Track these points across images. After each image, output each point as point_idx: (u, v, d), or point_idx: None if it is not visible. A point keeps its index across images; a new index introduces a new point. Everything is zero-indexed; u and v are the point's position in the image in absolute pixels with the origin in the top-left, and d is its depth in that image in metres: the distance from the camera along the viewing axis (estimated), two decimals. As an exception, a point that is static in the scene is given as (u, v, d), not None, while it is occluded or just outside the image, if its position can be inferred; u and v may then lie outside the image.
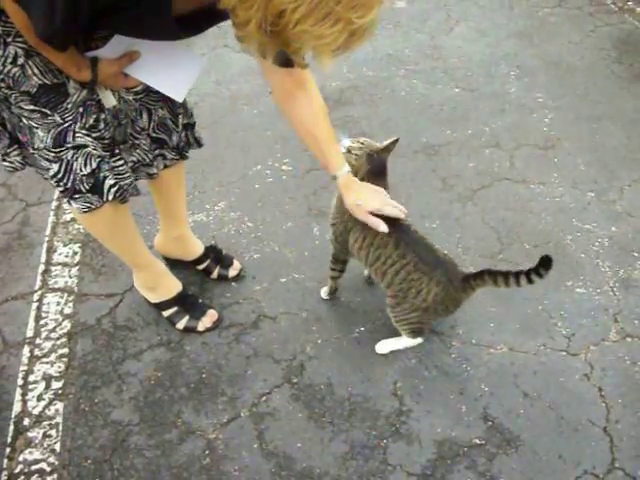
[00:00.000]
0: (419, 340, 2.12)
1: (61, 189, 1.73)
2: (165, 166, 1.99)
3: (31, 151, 1.69)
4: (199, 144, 2.05)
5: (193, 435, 1.93)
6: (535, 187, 2.78)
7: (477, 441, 1.89)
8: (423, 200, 2.71)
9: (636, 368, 2.08)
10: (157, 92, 1.73)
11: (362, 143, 1.97)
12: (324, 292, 2.30)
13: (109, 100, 1.67)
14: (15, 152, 1.73)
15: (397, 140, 1.96)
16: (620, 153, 2.97)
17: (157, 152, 1.93)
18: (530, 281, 1.82)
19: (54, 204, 2.80)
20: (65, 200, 1.79)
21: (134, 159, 1.87)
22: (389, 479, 1.81)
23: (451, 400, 1.99)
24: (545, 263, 1.78)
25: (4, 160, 1.75)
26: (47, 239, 2.63)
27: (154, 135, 1.88)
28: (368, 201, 1.86)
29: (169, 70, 1.66)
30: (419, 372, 2.06)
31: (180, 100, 1.77)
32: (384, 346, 2.13)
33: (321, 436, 1.91)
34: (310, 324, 2.21)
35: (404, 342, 2.12)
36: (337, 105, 3.25)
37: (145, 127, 1.83)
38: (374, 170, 1.95)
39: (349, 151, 1.94)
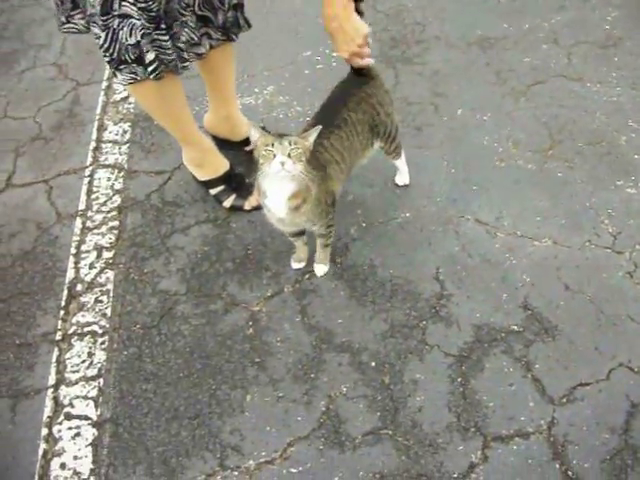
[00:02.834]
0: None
1: (107, 59, 1.75)
2: (211, 46, 1.95)
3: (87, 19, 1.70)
4: (249, 25, 2.02)
5: (237, 307, 2.00)
6: (592, 85, 2.69)
7: (515, 328, 1.91)
8: (475, 93, 2.65)
9: (681, 269, 2.07)
10: None
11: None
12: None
13: None
14: (79, 15, 1.74)
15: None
16: (685, 54, 2.85)
17: (202, 30, 1.90)
18: None
19: (104, 84, 2.82)
20: (111, 72, 1.81)
21: (184, 39, 1.83)
22: (426, 358, 1.86)
23: (492, 287, 2.01)
24: None
25: (68, 22, 1.77)
26: (97, 117, 2.67)
27: (199, 13, 1.84)
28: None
29: None
30: (462, 259, 2.08)
31: None
32: (403, 179, 2.29)
33: (362, 314, 1.96)
34: (355, 207, 2.22)
35: (403, 164, 2.25)
36: (378, -5, 3.15)
37: (190, 3, 1.79)
38: None
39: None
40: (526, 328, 1.91)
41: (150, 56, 1.73)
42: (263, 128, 2.38)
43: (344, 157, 1.84)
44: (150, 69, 1.76)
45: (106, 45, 1.70)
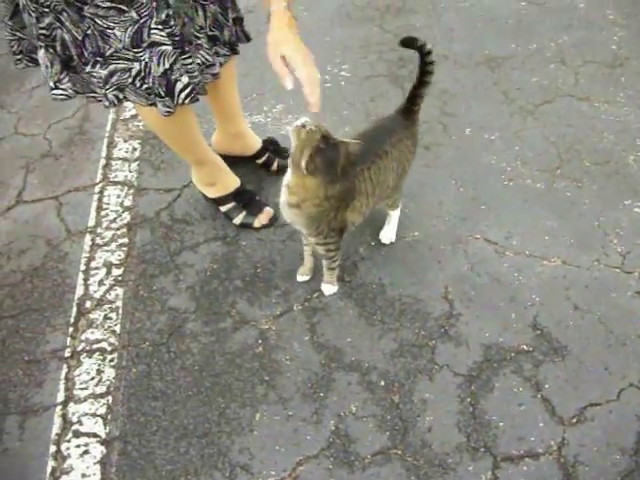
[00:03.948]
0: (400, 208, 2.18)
1: (147, 86, 1.71)
2: (220, 64, 1.95)
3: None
4: (248, 38, 2.02)
5: (247, 325, 2.00)
6: (599, 105, 2.70)
7: (524, 347, 1.91)
8: (483, 112, 2.66)
9: (691, 288, 2.06)
10: None
11: (319, 127, 1.62)
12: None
13: None
14: (66, 78, 1.72)
15: (358, 145, 1.65)
16: (692, 74, 2.86)
17: (213, 50, 1.90)
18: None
19: (114, 101, 2.83)
20: (149, 103, 1.76)
21: (198, 61, 1.83)
22: (436, 377, 1.85)
23: (501, 307, 2.00)
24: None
25: (57, 88, 1.74)
26: (107, 135, 2.68)
27: (210, 33, 1.85)
28: (289, 47, 1.60)
29: None
30: (471, 278, 2.08)
31: None
32: (389, 236, 2.19)
33: (371, 333, 1.96)
34: (364, 226, 2.21)
35: (396, 219, 2.18)
36: (399, 13, 3.17)
37: (203, 25, 1.81)
38: (326, 156, 1.62)
39: (303, 126, 1.60)
40: (535, 348, 1.91)
41: (185, 80, 1.73)
42: (272, 138, 2.42)
43: (374, 191, 1.83)
44: (185, 93, 1.75)
45: (142, 74, 1.69)
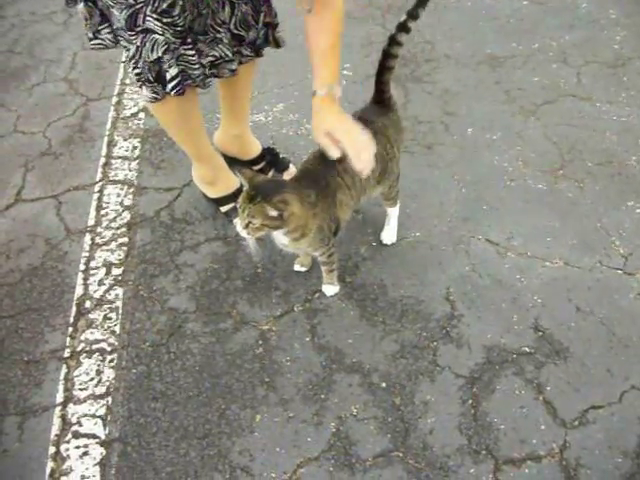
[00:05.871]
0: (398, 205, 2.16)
1: (137, 72, 1.76)
2: (240, 62, 1.96)
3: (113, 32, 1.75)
4: (278, 45, 2.02)
5: (247, 325, 1.99)
6: (601, 105, 2.69)
7: (526, 349, 1.90)
8: (485, 111, 2.66)
9: (694, 290, 2.05)
10: None
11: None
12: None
13: None
14: (106, 30, 1.76)
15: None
16: (694, 74, 2.85)
17: (236, 49, 1.91)
18: None
19: (114, 99, 2.83)
20: (138, 85, 1.82)
21: (216, 54, 1.85)
22: (437, 379, 1.84)
23: (503, 308, 1.99)
24: None
25: (95, 38, 1.79)
26: (107, 133, 2.68)
27: (235, 32, 1.86)
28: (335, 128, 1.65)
29: None
30: (472, 279, 2.07)
31: None
32: (390, 236, 2.17)
33: (372, 334, 1.95)
34: (365, 227, 2.22)
35: (395, 218, 2.17)
36: (400, 12, 3.11)
37: (226, 21, 1.81)
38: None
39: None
40: (537, 349, 1.90)
41: (173, 71, 1.75)
42: (272, 148, 2.41)
43: (354, 183, 1.82)
44: (172, 85, 1.77)
45: (136, 58, 1.73)
